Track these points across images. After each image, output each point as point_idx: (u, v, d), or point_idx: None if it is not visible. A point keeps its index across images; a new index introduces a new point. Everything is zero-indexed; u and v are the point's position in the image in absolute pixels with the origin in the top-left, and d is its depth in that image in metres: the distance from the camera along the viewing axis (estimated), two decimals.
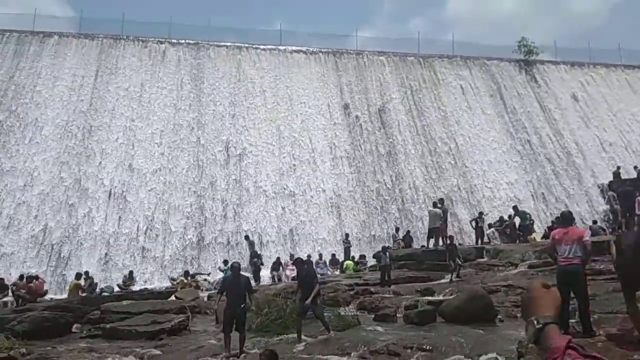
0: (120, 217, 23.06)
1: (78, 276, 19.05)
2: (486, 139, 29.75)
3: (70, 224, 22.51)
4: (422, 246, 20.72)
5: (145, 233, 22.90)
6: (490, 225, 22.46)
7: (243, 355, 8.96)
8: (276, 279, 20.51)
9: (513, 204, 24.27)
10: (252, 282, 17.83)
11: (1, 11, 41.11)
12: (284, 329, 10.51)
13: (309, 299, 9.83)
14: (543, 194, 28.20)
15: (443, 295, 12.71)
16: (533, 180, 28.63)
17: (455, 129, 29.79)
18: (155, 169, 24.75)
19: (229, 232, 23.60)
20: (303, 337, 9.79)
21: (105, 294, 18.37)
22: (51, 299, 17.93)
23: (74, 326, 12.93)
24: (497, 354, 7.39)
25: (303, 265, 10.87)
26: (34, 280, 18.59)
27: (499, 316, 10.14)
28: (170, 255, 22.53)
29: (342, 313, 11.27)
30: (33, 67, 27.00)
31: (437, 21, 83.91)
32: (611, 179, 27.49)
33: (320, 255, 22.14)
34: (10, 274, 20.09)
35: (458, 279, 14.70)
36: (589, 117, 32.49)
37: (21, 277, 18.87)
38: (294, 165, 26.35)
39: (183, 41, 30.31)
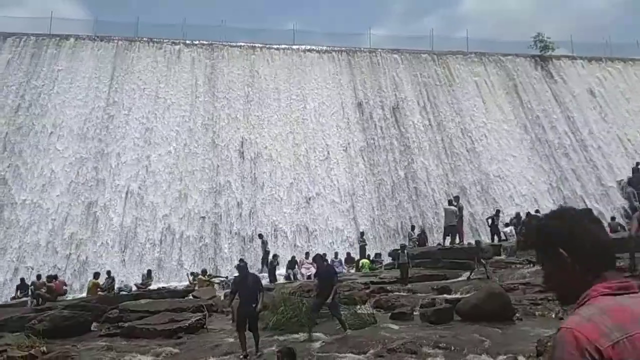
0: (137, 217, 23.29)
1: (96, 275, 19.27)
2: (502, 136, 29.48)
3: (88, 224, 22.79)
4: (438, 244, 20.59)
5: (162, 233, 23.10)
6: (507, 224, 22.25)
7: (259, 354, 8.93)
8: (292, 277, 20.54)
9: (529, 201, 24.05)
10: (265, 282, 17.96)
11: (19, 15, 41.79)
12: (300, 327, 10.52)
13: (330, 298, 9.82)
14: (560, 190, 27.87)
15: (460, 294, 12.63)
16: (549, 177, 28.30)
17: (471, 125, 29.57)
18: (170, 168, 24.95)
19: (245, 232, 23.71)
20: (319, 334, 9.79)
21: (124, 292, 18.57)
22: (74, 297, 18.17)
23: (93, 325, 13.06)
24: (516, 352, 7.33)
25: (323, 262, 10.86)
26: (54, 280, 18.86)
27: (517, 314, 10.06)
28: (186, 255, 22.70)
29: (359, 311, 11.25)
30: (50, 70, 27.38)
31: (450, 18, 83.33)
32: (630, 174, 27.05)
33: (336, 254, 22.13)
34: (30, 272, 20.43)
35: (487, 278, 14.40)
36: (606, 113, 32.03)
37: (38, 276, 19.18)
38: (309, 164, 26.38)
39: (197, 42, 30.50)
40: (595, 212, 1.73)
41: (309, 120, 28.03)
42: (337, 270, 20.45)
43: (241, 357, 8.91)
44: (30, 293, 18.45)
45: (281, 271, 21.05)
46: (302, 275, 20.53)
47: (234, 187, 24.93)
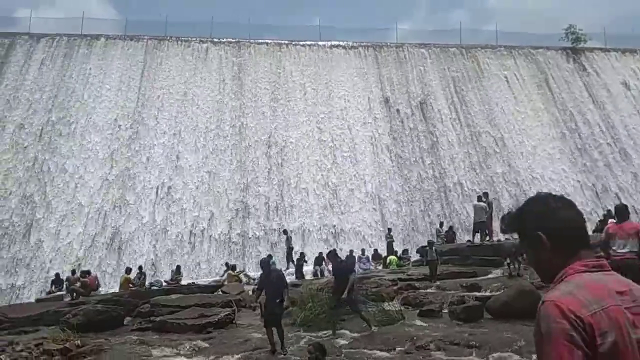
0: (167, 213, 23.68)
1: (128, 270, 19.66)
2: (533, 130, 28.93)
3: (120, 220, 23.27)
4: (468, 241, 20.33)
5: (191, 229, 23.44)
6: None
7: (284, 350, 8.84)
8: (319, 273, 20.58)
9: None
10: (292, 278, 18.01)
11: (51, 16, 42.86)
12: (328, 324, 10.52)
13: (345, 293, 9.78)
14: (593, 185, 27.21)
15: (490, 291, 12.43)
16: (582, 172, 27.66)
17: (500, 120, 29.09)
18: (199, 165, 25.29)
19: (272, 228, 23.86)
20: (346, 332, 9.78)
21: (155, 287, 18.90)
22: (107, 292, 18.57)
23: (126, 319, 13.30)
24: None
25: (337, 258, 10.81)
26: (87, 275, 19.32)
27: None
28: (215, 251, 22.98)
29: (386, 308, 11.19)
30: (82, 69, 28.05)
31: (479, 11, 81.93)
32: None
33: (363, 251, 22.07)
34: (64, 268, 21.00)
35: (518, 276, 14.13)
36: None
37: (73, 271, 19.69)
38: (335, 160, 26.35)
39: (224, 40, 30.79)
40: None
41: (336, 116, 28.00)
42: (364, 266, 20.55)
43: (269, 352, 8.95)
44: (64, 288, 18.94)
45: (308, 267, 21.10)
46: (329, 271, 20.53)
47: (261, 183, 25.10)
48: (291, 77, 29.36)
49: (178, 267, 21.29)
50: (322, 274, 20.41)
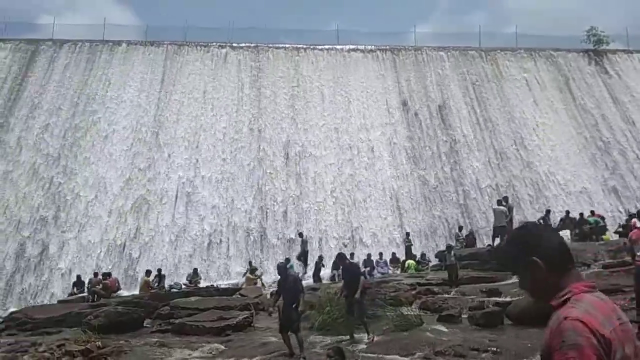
0: (186, 216, 23.90)
1: (147, 273, 19.85)
2: (553, 133, 28.54)
3: (140, 222, 23.55)
4: (488, 245, 20.10)
5: (210, 232, 23.61)
6: (558, 225, 21.45)
7: (303, 355, 8.79)
8: (336, 277, 20.53)
9: (582, 201, 23.18)
10: (308, 282, 18.02)
11: (74, 22, 43.67)
12: (346, 328, 10.50)
13: (358, 293, 9.73)
14: (616, 188, 26.72)
15: (510, 297, 12.28)
16: (605, 175, 27.18)
17: (520, 123, 28.77)
18: (218, 169, 25.49)
19: (290, 231, 23.89)
20: (365, 335, 9.74)
21: (174, 290, 19.07)
22: (131, 296, 18.76)
23: (146, 321, 13.47)
24: None
25: (345, 261, 10.65)
26: (108, 277, 19.59)
27: None
28: (233, 254, 23.11)
29: (405, 312, 11.12)
30: (104, 74, 28.54)
31: (497, 14, 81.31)
32: None
33: (381, 254, 21.98)
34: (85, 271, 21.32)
35: None
36: None
37: (95, 274, 19.95)
38: (353, 163, 26.32)
39: (243, 45, 31.03)
40: None
41: (354, 120, 27.99)
42: (382, 270, 20.46)
43: (288, 356, 8.96)
44: (86, 290, 19.22)
45: (326, 271, 21.08)
46: None
47: (279, 187, 25.19)
48: (309, 81, 29.45)
49: (195, 269, 21.46)
50: (340, 278, 20.37)
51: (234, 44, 31.04)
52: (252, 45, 31.06)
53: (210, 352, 9.75)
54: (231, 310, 13.16)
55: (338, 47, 31.61)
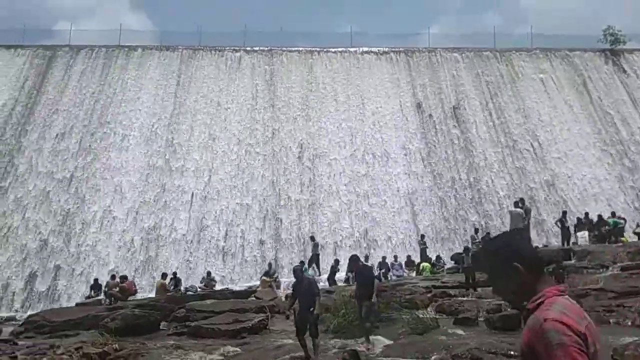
0: (201, 220, 24.03)
1: (163, 276, 19.97)
2: (570, 134, 28.18)
3: (155, 226, 23.74)
4: None
5: (224, 235, 23.71)
6: (576, 226, 21.11)
7: (317, 358, 8.73)
8: (351, 280, 20.47)
9: (600, 202, 22.83)
10: (323, 284, 17.95)
11: (90, 27, 44.27)
12: (361, 330, 10.45)
13: (374, 295, 9.66)
14: (634, 189, 26.28)
15: None
16: (623, 176, 26.76)
17: (537, 124, 28.47)
18: (233, 172, 25.60)
19: (304, 233, 23.89)
20: (380, 338, 9.69)
21: (190, 293, 19.16)
22: (147, 298, 18.88)
23: (162, 324, 13.53)
24: None
25: (358, 264, 10.48)
26: (125, 280, 19.73)
27: None
28: (248, 257, 23.17)
29: (421, 315, 11.05)
30: (120, 79, 28.88)
31: (511, 13, 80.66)
32: None
33: (396, 257, 21.86)
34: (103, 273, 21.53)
35: (558, 283, 13.77)
36: None
37: (113, 277, 20.11)
38: (368, 165, 26.26)
39: (257, 49, 31.19)
40: None
41: (368, 122, 27.94)
42: (397, 273, 20.35)
43: (304, 359, 8.94)
44: (103, 293, 19.38)
45: (341, 274, 21.01)
46: None
47: (293, 190, 25.22)
48: (323, 83, 29.48)
49: (208, 272, 21.56)
50: (354, 280, 20.29)
51: (248, 48, 31.21)
52: (266, 49, 31.20)
53: (226, 355, 9.76)
54: (247, 313, 13.18)
55: (351, 49, 31.62)
